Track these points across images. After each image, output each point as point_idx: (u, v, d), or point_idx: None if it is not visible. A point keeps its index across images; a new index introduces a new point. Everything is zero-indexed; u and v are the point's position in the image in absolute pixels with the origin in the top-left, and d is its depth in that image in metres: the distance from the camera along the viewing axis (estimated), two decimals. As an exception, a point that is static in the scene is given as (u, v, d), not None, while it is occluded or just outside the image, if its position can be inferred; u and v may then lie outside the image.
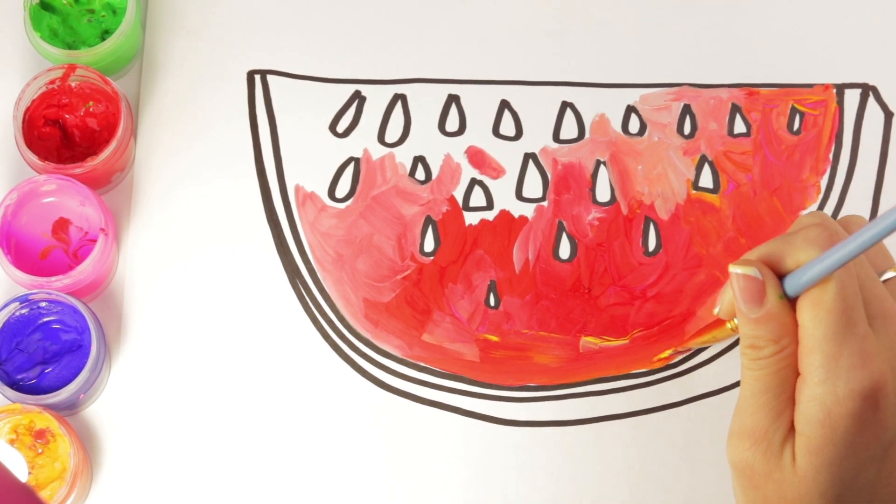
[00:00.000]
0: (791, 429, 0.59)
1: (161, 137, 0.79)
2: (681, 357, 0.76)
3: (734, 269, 0.60)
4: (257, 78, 0.80)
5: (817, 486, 0.58)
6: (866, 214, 0.78)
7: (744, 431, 0.60)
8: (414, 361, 0.77)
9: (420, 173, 0.79)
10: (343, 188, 0.79)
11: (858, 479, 0.58)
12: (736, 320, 0.63)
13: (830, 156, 0.79)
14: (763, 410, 0.59)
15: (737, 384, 0.76)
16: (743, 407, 0.60)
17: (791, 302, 0.58)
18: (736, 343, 0.77)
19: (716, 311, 0.64)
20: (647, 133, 0.80)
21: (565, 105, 0.80)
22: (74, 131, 0.77)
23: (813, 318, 0.58)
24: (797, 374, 0.59)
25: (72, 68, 0.76)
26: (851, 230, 0.60)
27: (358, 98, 0.80)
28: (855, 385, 0.57)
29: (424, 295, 0.77)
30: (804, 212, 0.78)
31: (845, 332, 0.57)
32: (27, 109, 0.76)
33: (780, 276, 0.59)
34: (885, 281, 0.61)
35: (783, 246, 0.59)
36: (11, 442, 0.72)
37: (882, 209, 0.78)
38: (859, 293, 0.58)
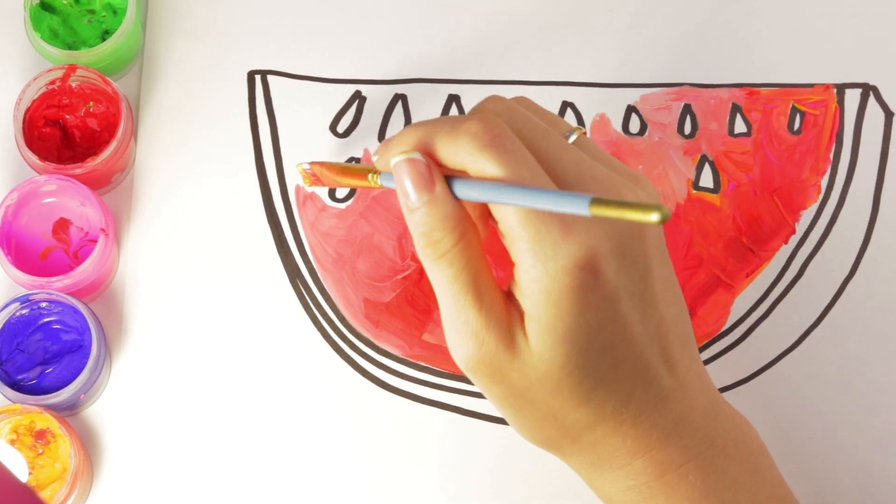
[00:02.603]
0: (509, 316, 0.59)
1: (161, 138, 0.79)
2: (310, 176, 0.72)
3: (397, 159, 0.60)
4: (257, 78, 0.80)
5: (556, 360, 0.59)
6: (866, 215, 0.78)
7: (465, 336, 0.60)
8: (414, 361, 0.77)
9: (420, 173, 0.79)
10: (343, 188, 0.79)
11: (595, 343, 0.59)
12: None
13: (831, 156, 0.79)
14: (474, 309, 0.59)
15: (736, 384, 0.76)
16: (453, 313, 0.60)
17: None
18: (735, 345, 0.77)
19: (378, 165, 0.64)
20: (647, 133, 0.80)
21: (566, 105, 0.80)
22: (75, 132, 0.77)
23: (500, 210, 0.58)
24: (487, 261, 0.60)
25: (72, 69, 0.76)
26: (516, 123, 0.60)
27: (358, 98, 0.80)
28: (566, 260, 0.58)
29: (425, 294, 0.77)
30: (804, 212, 0.78)
31: (539, 212, 0.57)
32: (27, 110, 0.76)
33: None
34: (573, 143, 0.61)
35: (451, 143, 0.59)
36: (12, 442, 0.72)
37: (882, 209, 0.78)
38: (539, 172, 0.58)
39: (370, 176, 0.65)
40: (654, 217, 0.50)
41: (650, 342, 0.61)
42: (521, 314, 0.60)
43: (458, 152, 0.59)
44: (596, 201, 0.52)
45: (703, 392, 0.63)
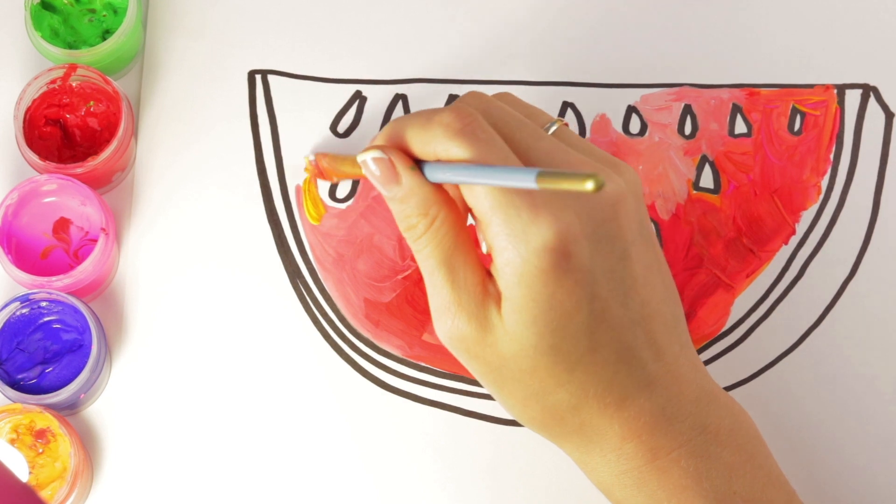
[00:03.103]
0: (485, 293, 0.61)
1: (162, 137, 0.79)
2: (314, 167, 0.74)
3: (363, 156, 0.62)
4: (258, 78, 0.80)
5: (529, 340, 0.60)
6: (866, 215, 0.78)
7: (439, 310, 0.62)
8: (414, 361, 0.77)
9: (421, 173, 0.79)
10: (344, 188, 0.79)
11: (571, 325, 0.60)
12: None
13: (831, 156, 0.79)
14: (447, 285, 0.61)
15: (736, 385, 0.76)
16: (430, 289, 0.62)
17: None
18: (735, 345, 0.77)
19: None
20: (647, 133, 0.80)
21: (566, 105, 0.80)
22: (75, 131, 0.77)
23: (473, 196, 0.60)
24: (467, 241, 0.61)
25: (73, 68, 0.76)
26: (492, 116, 0.62)
27: (359, 98, 0.80)
28: (536, 242, 0.59)
29: (425, 295, 0.77)
30: (804, 212, 0.78)
31: (508, 196, 0.59)
32: (28, 109, 0.76)
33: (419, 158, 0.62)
34: (553, 134, 0.63)
35: (424, 134, 0.61)
36: (12, 442, 0.72)
37: (882, 210, 0.78)
38: (511, 158, 0.59)
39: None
40: (588, 185, 0.51)
41: (632, 326, 0.61)
42: (498, 294, 0.61)
43: (430, 142, 0.60)
44: (542, 174, 0.53)
45: (694, 379, 0.63)
